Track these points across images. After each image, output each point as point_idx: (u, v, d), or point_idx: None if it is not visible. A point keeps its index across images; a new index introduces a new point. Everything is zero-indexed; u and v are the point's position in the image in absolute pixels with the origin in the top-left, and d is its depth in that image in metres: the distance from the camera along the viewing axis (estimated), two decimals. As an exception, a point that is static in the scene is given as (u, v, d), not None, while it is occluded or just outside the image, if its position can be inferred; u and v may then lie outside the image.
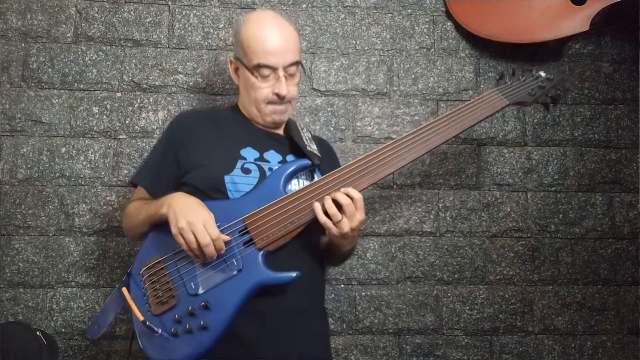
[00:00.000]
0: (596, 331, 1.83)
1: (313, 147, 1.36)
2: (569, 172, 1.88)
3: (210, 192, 1.24)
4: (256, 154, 1.31)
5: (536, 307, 1.82)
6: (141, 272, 1.21)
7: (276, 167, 1.29)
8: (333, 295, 1.77)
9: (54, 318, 1.68)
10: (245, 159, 1.29)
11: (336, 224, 1.19)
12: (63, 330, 1.68)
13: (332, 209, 1.18)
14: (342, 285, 1.78)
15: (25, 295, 1.68)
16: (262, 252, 1.19)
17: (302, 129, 1.42)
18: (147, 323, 1.14)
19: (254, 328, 1.19)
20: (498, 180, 1.86)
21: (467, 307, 1.80)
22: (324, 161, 1.37)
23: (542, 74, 1.48)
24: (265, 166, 1.29)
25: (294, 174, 1.27)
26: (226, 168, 1.26)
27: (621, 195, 1.88)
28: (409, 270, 1.80)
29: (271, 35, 1.29)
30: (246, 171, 1.27)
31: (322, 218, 1.19)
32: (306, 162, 1.29)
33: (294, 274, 1.17)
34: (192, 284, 1.17)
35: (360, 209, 1.21)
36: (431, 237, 1.82)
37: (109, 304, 1.29)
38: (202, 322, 1.13)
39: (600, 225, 1.86)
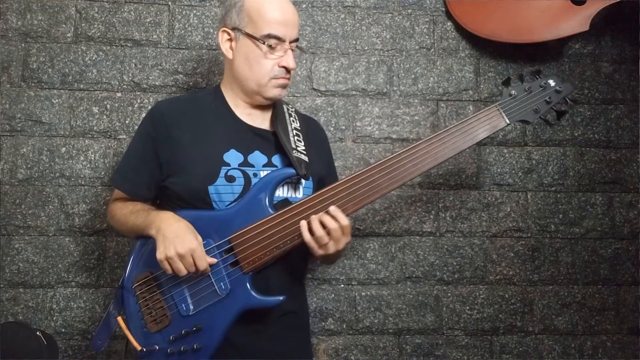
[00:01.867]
0: (596, 331, 1.83)
1: (300, 149, 1.30)
2: (569, 172, 1.88)
3: (194, 201, 1.23)
4: (240, 158, 1.27)
5: (536, 307, 1.82)
6: (133, 287, 1.24)
7: (261, 173, 1.26)
8: (333, 295, 1.77)
9: (54, 318, 1.68)
10: (229, 165, 1.25)
11: (321, 246, 1.17)
12: (63, 330, 1.68)
13: (319, 230, 1.16)
14: (342, 285, 1.78)
15: (25, 295, 1.68)
16: (249, 274, 1.21)
17: (289, 116, 1.37)
18: (145, 350, 1.19)
19: (245, 330, 1.23)
20: (498, 180, 1.86)
21: (467, 307, 1.80)
22: (313, 149, 1.34)
23: (552, 83, 1.34)
24: (250, 171, 1.26)
25: (278, 185, 1.25)
26: (210, 177, 1.23)
27: (621, 195, 1.88)
28: (409, 270, 1.80)
29: (282, 6, 1.28)
30: (230, 179, 1.24)
31: (307, 237, 1.17)
32: (291, 171, 1.25)
33: (280, 298, 1.20)
34: (183, 305, 1.21)
35: (347, 234, 1.19)
36: (431, 237, 1.82)
37: (107, 318, 1.29)
38: (195, 346, 1.19)
39: (600, 225, 1.86)
